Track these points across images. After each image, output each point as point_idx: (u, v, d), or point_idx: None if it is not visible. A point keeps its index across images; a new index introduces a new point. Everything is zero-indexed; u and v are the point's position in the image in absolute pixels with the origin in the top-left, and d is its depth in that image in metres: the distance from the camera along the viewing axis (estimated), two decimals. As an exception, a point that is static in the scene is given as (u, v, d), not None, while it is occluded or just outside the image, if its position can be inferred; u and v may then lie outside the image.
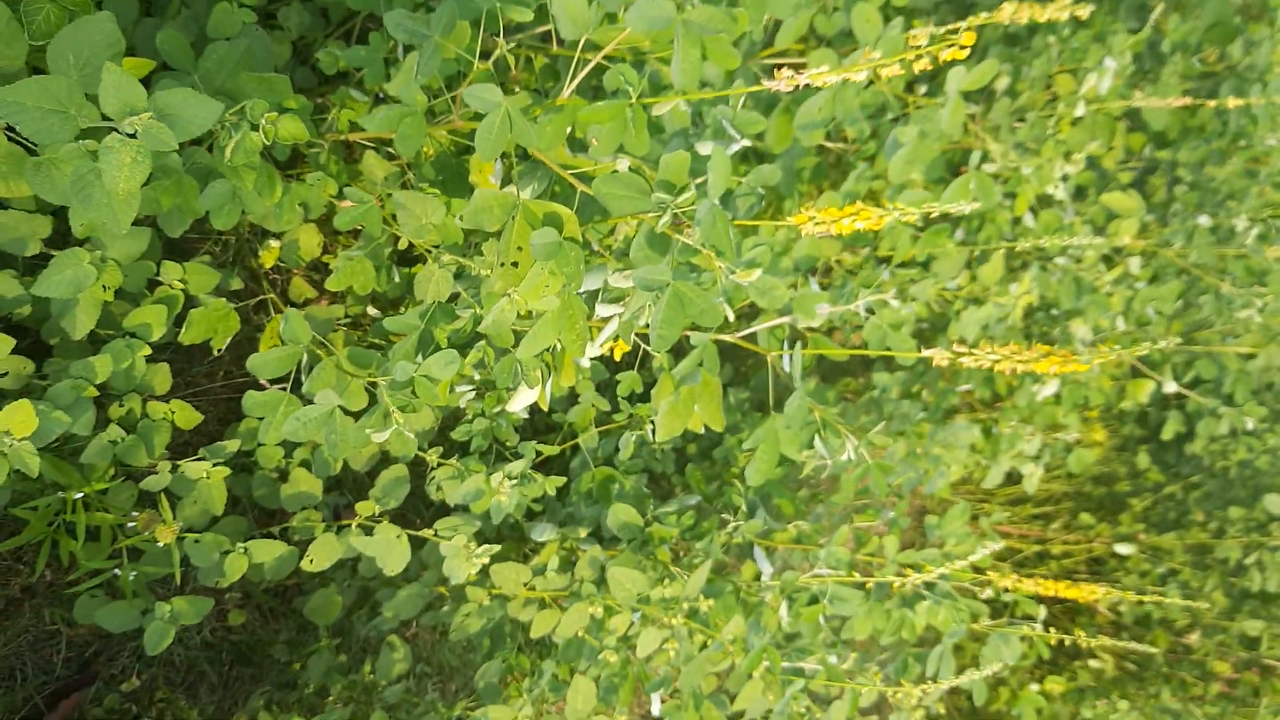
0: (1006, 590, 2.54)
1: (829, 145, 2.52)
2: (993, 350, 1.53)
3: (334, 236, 2.02)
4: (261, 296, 1.97)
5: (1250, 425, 3.29)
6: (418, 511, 2.40)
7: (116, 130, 1.15)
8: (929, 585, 2.39)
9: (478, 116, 1.35)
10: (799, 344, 1.69)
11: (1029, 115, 2.63)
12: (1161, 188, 3.32)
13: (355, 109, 1.66)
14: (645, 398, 2.28)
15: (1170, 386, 3.22)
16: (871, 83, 2.10)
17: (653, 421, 2.25)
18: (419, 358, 1.59)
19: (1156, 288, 3.04)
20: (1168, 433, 3.35)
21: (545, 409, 1.84)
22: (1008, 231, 2.84)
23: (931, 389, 3.32)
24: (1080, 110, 2.64)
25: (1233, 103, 2.53)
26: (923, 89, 2.45)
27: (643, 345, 2.10)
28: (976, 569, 2.41)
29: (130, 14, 1.58)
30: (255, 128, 1.42)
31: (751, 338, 1.86)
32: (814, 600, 2.04)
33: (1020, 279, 2.89)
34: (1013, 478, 3.98)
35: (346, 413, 1.57)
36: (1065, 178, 2.81)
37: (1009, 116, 2.57)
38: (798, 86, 1.28)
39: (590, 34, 1.41)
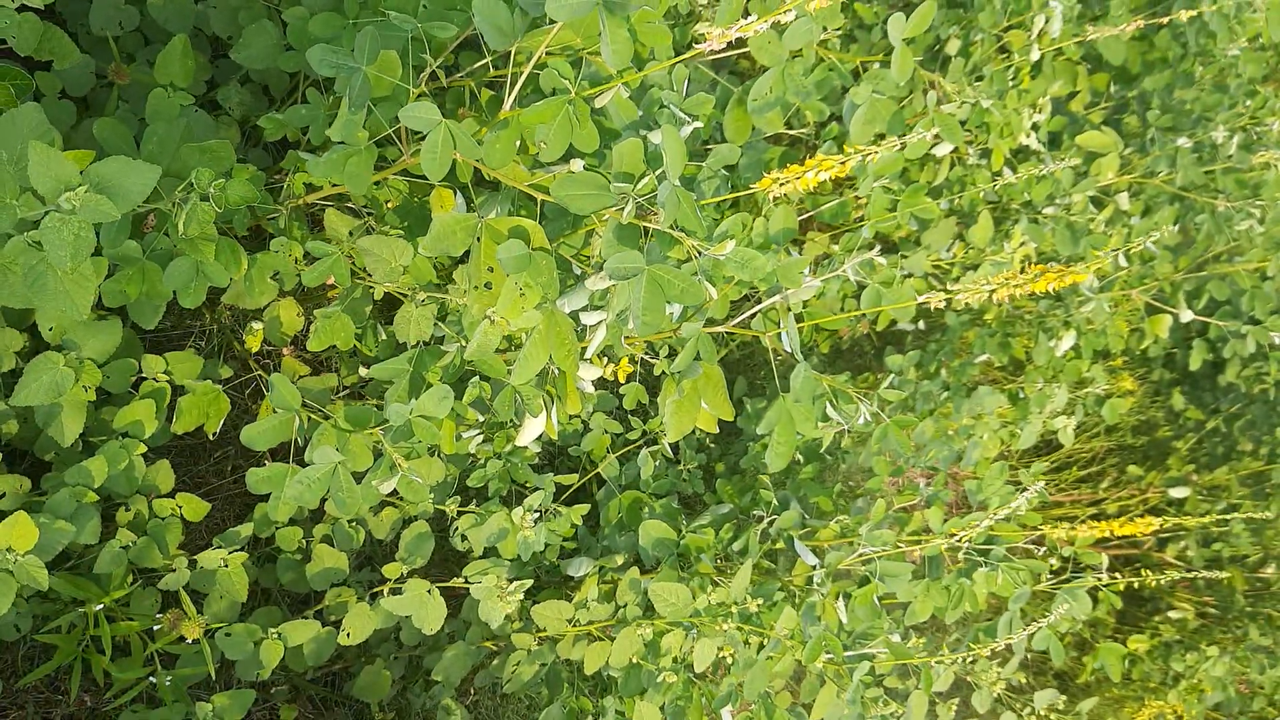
0: (1065, 545, 2.47)
1: (793, 133, 2.51)
2: (989, 280, 1.49)
3: (314, 309, 2.01)
4: (252, 379, 1.96)
5: (1277, 339, 3.21)
6: (450, 571, 2.35)
7: (57, 209, 1.13)
8: (984, 552, 2.32)
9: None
10: (792, 316, 1.65)
11: (986, 70, 2.61)
12: (1135, 123, 3.29)
13: (306, 170, 1.66)
14: (658, 411, 2.25)
15: (1186, 315, 3.15)
16: (820, 61, 2.09)
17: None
18: (412, 400, 1.56)
19: (1151, 219, 2.99)
20: (1195, 362, 3.28)
21: (554, 438, 1.80)
22: (989, 192, 2.81)
23: (948, 365, 3.26)
24: (1035, 54, 2.62)
25: (1184, 14, 2.50)
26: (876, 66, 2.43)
27: (644, 358, 2.07)
28: (1028, 526, 2.35)
29: (68, 118, 1.58)
30: (205, 197, 1.40)
31: (746, 328, 1.82)
32: (865, 582, 1.98)
33: (1012, 234, 2.85)
34: (1051, 444, 3.91)
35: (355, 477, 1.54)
36: (1036, 126, 2.78)
37: (966, 76, 2.55)
38: (730, 43, 1.26)
39: (519, 42, 1.40)
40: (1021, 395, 3.32)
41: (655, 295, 1.37)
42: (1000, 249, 2.89)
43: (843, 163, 1.37)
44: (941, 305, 1.56)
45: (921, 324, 3.36)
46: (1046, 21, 2.61)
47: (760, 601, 1.89)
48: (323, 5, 1.61)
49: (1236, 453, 4.09)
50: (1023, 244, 2.85)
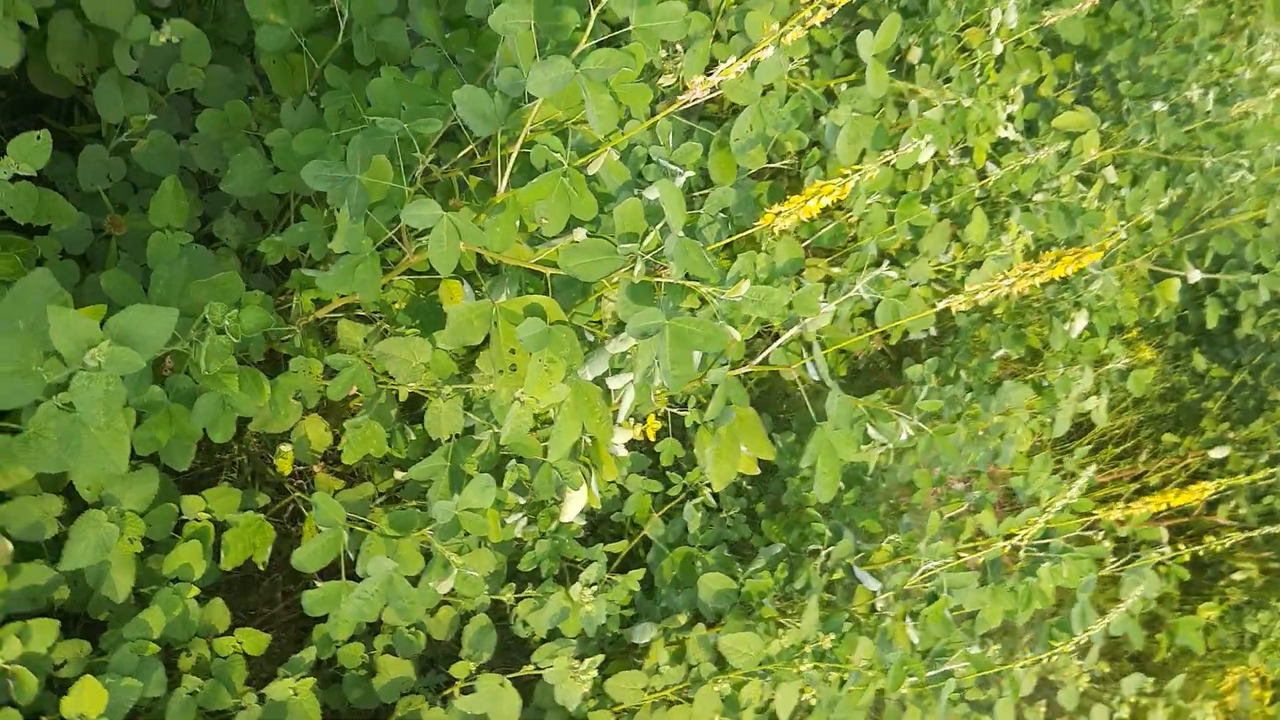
0: (1120, 524, 2.44)
1: (775, 165, 2.52)
2: (1005, 275, 1.49)
3: (339, 421, 2.00)
4: (290, 502, 1.95)
5: (1288, 283, 3.20)
6: (512, 660, 2.32)
7: (83, 368, 1.13)
8: (1042, 546, 2.29)
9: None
10: (817, 345, 1.65)
11: (952, 72, 2.63)
12: (1105, 98, 3.31)
13: (313, 286, 1.66)
14: (694, 463, 2.23)
15: (1194, 275, 3.15)
16: (792, 91, 2.10)
17: (709, 485, 2.19)
18: (455, 495, 1.55)
19: (1141, 187, 3.00)
20: (1212, 320, 3.27)
21: (598, 506, 1.79)
22: (978, 190, 2.82)
23: (966, 366, 3.24)
24: (997, 48, 2.65)
25: (1136, -19, 2.53)
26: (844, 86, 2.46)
27: (673, 412, 2.06)
28: (1081, 513, 2.32)
29: (71, 276, 1.59)
30: (221, 330, 1.41)
31: (766, 364, 1.82)
32: (933, 598, 1.95)
33: (1008, 226, 2.85)
34: (1082, 428, 3.87)
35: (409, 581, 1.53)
36: (1011, 117, 2.79)
37: (933, 81, 2.57)
38: (714, 88, 1.27)
39: (504, 124, 1.41)
40: (1045, 384, 3.30)
41: (680, 348, 1.36)
42: (998, 243, 2.89)
43: (842, 184, 1.37)
44: (962, 308, 1.56)
45: (933, 329, 3.35)
46: (1003, 14, 2.64)
47: (832, 636, 1.86)
48: (302, 123, 1.62)
49: (1269, 403, 4.06)
50: (1020, 234, 2.85)
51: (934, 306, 1.59)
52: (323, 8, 1.66)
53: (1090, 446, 3.61)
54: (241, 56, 1.94)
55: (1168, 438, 4.16)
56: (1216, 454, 3.97)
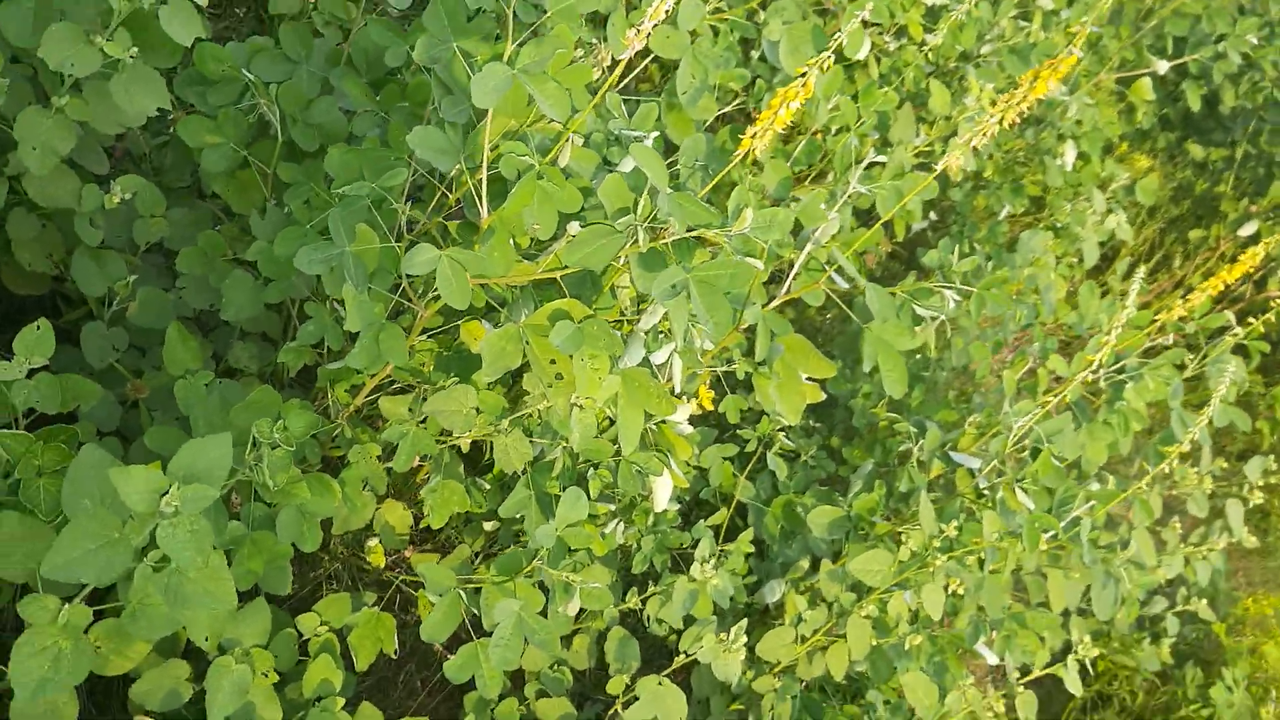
0: (1184, 320, 2.41)
1: (728, 111, 2.51)
2: (994, 110, 1.47)
3: (415, 498, 2.01)
4: (395, 590, 1.95)
5: (1253, 39, 3.17)
6: (654, 666, 2.32)
7: (162, 517, 1.13)
8: (1119, 370, 2.26)
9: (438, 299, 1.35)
10: (837, 251, 1.64)
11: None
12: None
13: (342, 374, 1.66)
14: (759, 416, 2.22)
15: (1162, 66, 3.12)
16: (716, 31, 2.10)
17: (782, 430, 2.18)
18: (550, 520, 1.54)
19: (1079, 2, 2.99)
20: (1194, 102, 3.24)
21: (685, 486, 1.78)
22: (926, 66, 2.81)
23: (977, 238, 3.21)
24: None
25: None
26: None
27: (722, 374, 2.05)
28: (1144, 325, 2.29)
29: (115, 452, 1.59)
30: (274, 445, 1.41)
31: (795, 295, 1.80)
32: (1036, 452, 1.93)
33: (968, 84, 2.83)
34: (1108, 257, 3.84)
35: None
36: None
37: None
38: (647, 35, 1.27)
39: (464, 152, 1.41)
40: (1059, 225, 3.27)
41: (710, 295, 1.35)
42: (964, 107, 2.86)
43: (803, 83, 1.35)
44: (960, 164, 1.54)
45: (932, 215, 3.32)
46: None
47: (954, 523, 1.84)
48: (274, 228, 1.63)
49: (1276, 165, 4.01)
50: (981, 90, 2.83)
51: (932, 172, 1.58)
52: (252, 115, 1.66)
53: (1128, 263, 3.56)
54: (193, 196, 1.95)
55: (1194, 234, 4.11)
56: (1246, 231, 3.92)
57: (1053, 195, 3.32)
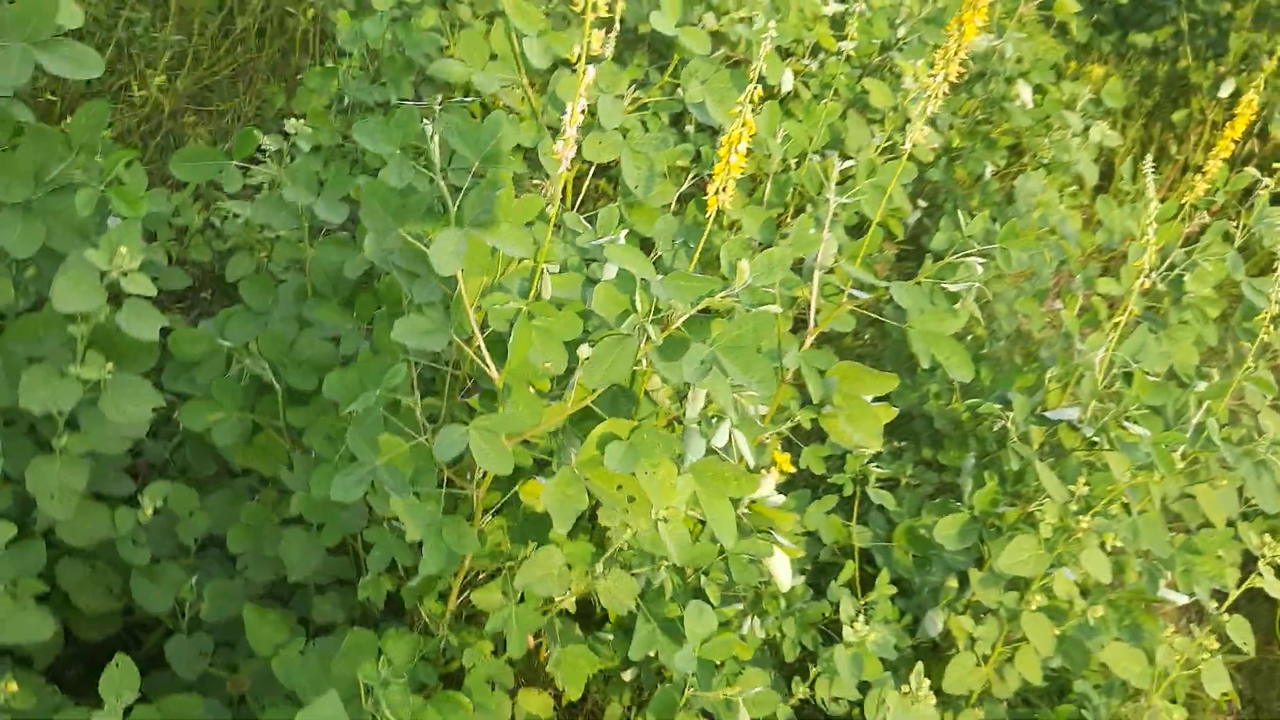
0: (1210, 193, 2.31)
1: (687, 188, 2.50)
2: (935, 70, 1.43)
3: (546, 679, 1.92)
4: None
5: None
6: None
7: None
8: (1170, 269, 2.17)
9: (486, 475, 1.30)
10: (845, 264, 1.58)
11: None
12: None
13: (425, 587, 1.61)
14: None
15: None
16: (644, 114, 2.09)
17: (871, 461, 2.09)
18: (684, 644, 1.46)
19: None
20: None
21: (800, 554, 1.70)
22: (854, 71, 2.81)
23: (970, 208, 3.14)
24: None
25: None
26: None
27: (791, 431, 1.98)
28: (1172, 216, 2.20)
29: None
30: (385, 682, 1.35)
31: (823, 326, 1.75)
32: (1128, 377, 1.83)
33: (901, 72, 2.81)
34: (1106, 175, 3.76)
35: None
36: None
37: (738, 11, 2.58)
38: (576, 143, 1.24)
39: (451, 327, 1.38)
40: (1045, 161, 3.21)
41: (743, 359, 1.29)
42: (905, 91, 2.83)
43: (742, 120, 1.32)
44: (930, 145, 1.49)
45: (921, 203, 3.26)
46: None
47: (1081, 481, 1.73)
48: (306, 473, 1.59)
49: (1225, 19, 3.96)
50: (914, 69, 2.80)
51: (903, 151, 1.53)
52: (244, 379, 1.65)
53: (1129, 166, 3.48)
54: (223, 475, 1.93)
55: (1177, 116, 4.04)
56: (1225, 92, 3.85)
57: (1027, 136, 3.27)
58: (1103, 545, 1.69)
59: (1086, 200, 3.37)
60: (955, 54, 1.44)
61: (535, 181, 2.13)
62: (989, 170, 3.18)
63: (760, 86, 1.33)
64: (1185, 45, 3.95)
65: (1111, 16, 4.13)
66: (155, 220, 2.10)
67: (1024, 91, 3.16)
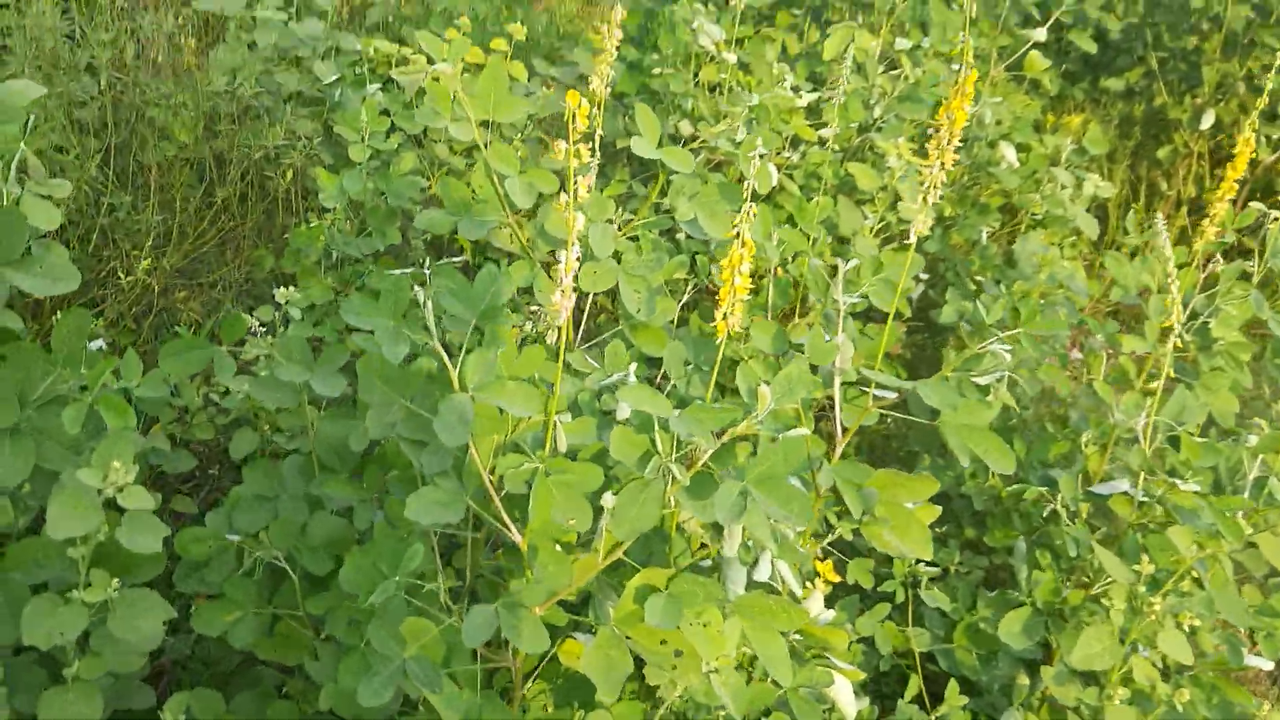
0: (1220, 234, 2.25)
1: (685, 301, 2.45)
2: (932, 160, 1.38)
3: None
4: None
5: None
6: None
7: None
8: (1193, 317, 2.11)
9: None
10: (865, 370, 1.51)
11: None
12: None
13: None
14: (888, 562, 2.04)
15: (1040, 33, 3.08)
16: (633, 236, 2.06)
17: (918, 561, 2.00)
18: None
19: (934, 26, 3.01)
20: (1088, 46, 3.21)
21: (861, 677, 1.60)
22: (835, 154, 2.79)
23: (971, 273, 3.10)
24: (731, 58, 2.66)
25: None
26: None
27: (830, 549, 1.89)
28: (1188, 262, 2.15)
29: None
30: None
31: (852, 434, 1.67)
32: (1173, 440, 1.75)
33: (884, 152, 2.79)
34: (1106, 225, 3.73)
35: None
36: (795, 88, 2.78)
37: (718, 118, 2.57)
38: (574, 285, 1.19)
39: (469, 496, 1.31)
40: (1038, 217, 3.18)
41: (775, 490, 1.22)
42: (892, 170, 2.80)
43: (740, 236, 1.27)
44: (925, 219, 1.44)
45: (922, 274, 3.21)
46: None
47: (1144, 558, 1.64)
48: (333, 664, 1.51)
49: (1190, 53, 3.96)
50: (897, 147, 2.77)
51: (905, 239, 1.47)
52: (258, 570, 1.58)
53: (1129, 215, 3.45)
54: (245, 674, 1.84)
55: (1161, 152, 4.02)
56: (1206, 124, 3.83)
57: (1017, 195, 3.24)
58: (1178, 624, 1.59)
59: (1085, 249, 3.32)
60: (949, 142, 1.40)
61: (533, 309, 2.08)
62: (984, 234, 3.15)
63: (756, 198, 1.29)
64: (1158, 83, 3.95)
65: (1079, 64, 4.14)
66: (154, 405, 2.06)
67: (1008, 152, 3.13)
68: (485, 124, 1.80)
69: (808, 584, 1.70)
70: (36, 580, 1.35)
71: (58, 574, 1.35)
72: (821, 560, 1.80)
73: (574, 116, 1.16)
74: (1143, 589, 1.60)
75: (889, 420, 3.03)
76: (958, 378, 1.49)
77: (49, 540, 1.32)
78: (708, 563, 1.60)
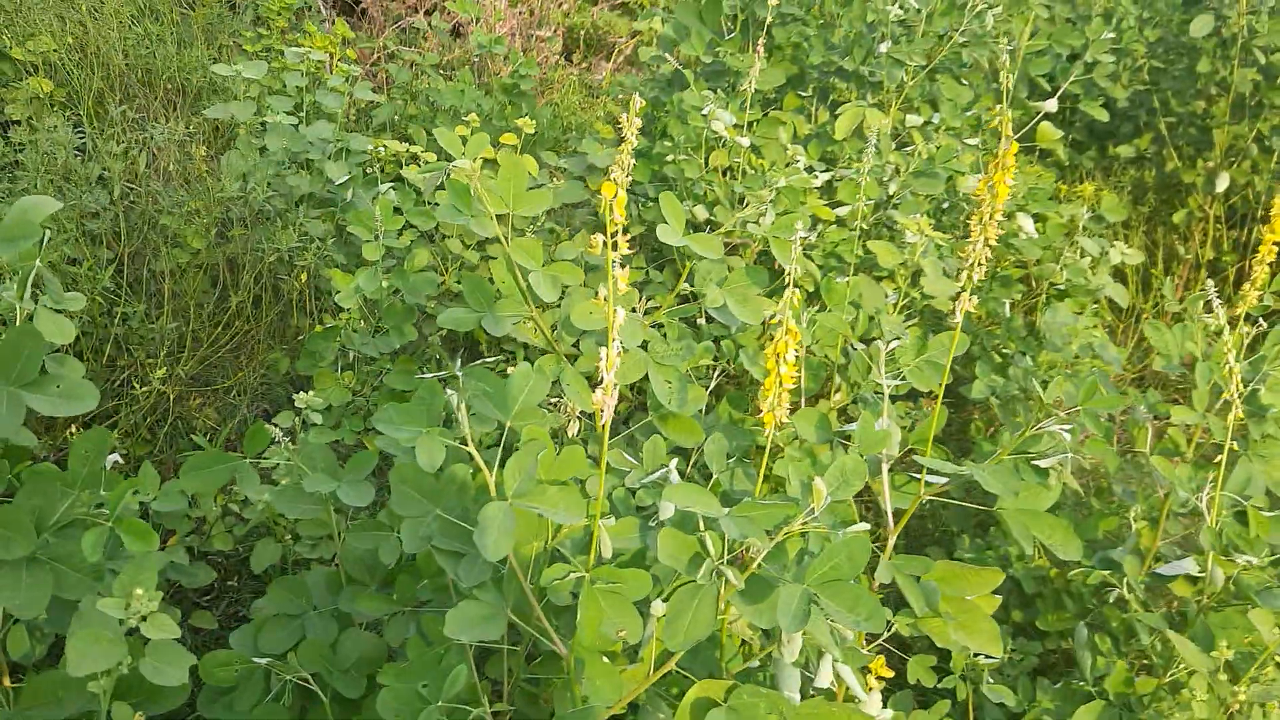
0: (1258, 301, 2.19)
1: (717, 382, 2.39)
2: (975, 237, 1.33)
3: None
4: None
5: (1109, 35, 3.18)
6: None
7: None
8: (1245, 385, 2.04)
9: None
10: (915, 459, 1.45)
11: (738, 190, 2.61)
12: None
13: None
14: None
15: (1051, 104, 3.08)
16: (661, 327, 2.01)
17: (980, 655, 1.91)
18: None
19: (943, 99, 3.01)
20: (1098, 114, 3.19)
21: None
22: (853, 232, 2.76)
23: (1000, 350, 3.04)
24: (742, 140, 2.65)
25: None
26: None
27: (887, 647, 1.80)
28: (1217, 330, 2.09)
29: None
30: None
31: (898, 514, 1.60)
32: (1240, 515, 1.67)
33: (904, 227, 2.76)
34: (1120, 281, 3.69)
35: None
36: (810, 168, 2.77)
37: (735, 205, 2.54)
38: (614, 382, 1.13)
39: (508, 604, 1.24)
40: (1061, 287, 3.14)
41: (835, 590, 1.15)
42: (914, 245, 2.76)
43: (782, 315, 1.21)
44: (968, 304, 1.39)
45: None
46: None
47: (1222, 644, 1.55)
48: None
49: (1198, 119, 3.96)
50: (920, 220, 2.74)
51: (949, 319, 1.42)
52: (286, 697, 1.50)
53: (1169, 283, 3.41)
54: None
55: (1177, 217, 4.00)
56: (1221, 186, 3.82)
57: (1037, 271, 3.20)
58: (1265, 714, 1.50)
59: (1106, 317, 3.26)
60: (991, 217, 1.36)
61: (553, 400, 2.03)
62: (1008, 305, 3.10)
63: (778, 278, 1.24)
64: (1168, 148, 3.94)
65: (1084, 133, 4.14)
66: (172, 518, 2.00)
67: (1026, 223, 3.10)
68: (500, 217, 1.77)
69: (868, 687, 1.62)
70: (56, 718, 1.27)
71: (79, 708, 1.27)
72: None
73: (611, 209, 1.11)
74: (1223, 677, 1.50)
75: (927, 502, 2.95)
76: (1015, 461, 1.42)
77: (68, 675, 1.25)
78: (755, 662, 1.52)
